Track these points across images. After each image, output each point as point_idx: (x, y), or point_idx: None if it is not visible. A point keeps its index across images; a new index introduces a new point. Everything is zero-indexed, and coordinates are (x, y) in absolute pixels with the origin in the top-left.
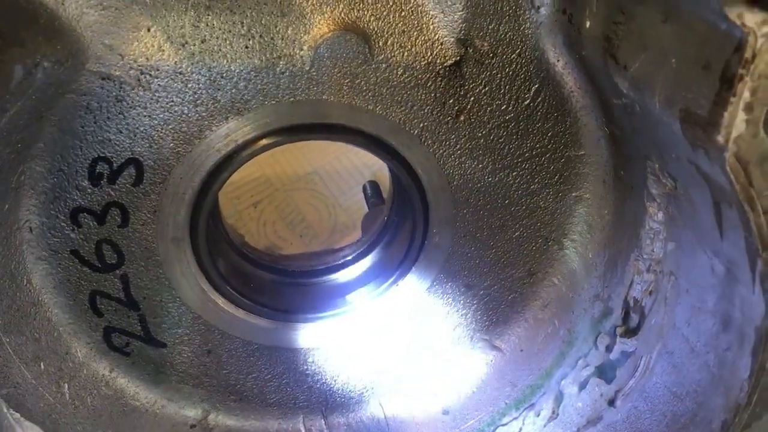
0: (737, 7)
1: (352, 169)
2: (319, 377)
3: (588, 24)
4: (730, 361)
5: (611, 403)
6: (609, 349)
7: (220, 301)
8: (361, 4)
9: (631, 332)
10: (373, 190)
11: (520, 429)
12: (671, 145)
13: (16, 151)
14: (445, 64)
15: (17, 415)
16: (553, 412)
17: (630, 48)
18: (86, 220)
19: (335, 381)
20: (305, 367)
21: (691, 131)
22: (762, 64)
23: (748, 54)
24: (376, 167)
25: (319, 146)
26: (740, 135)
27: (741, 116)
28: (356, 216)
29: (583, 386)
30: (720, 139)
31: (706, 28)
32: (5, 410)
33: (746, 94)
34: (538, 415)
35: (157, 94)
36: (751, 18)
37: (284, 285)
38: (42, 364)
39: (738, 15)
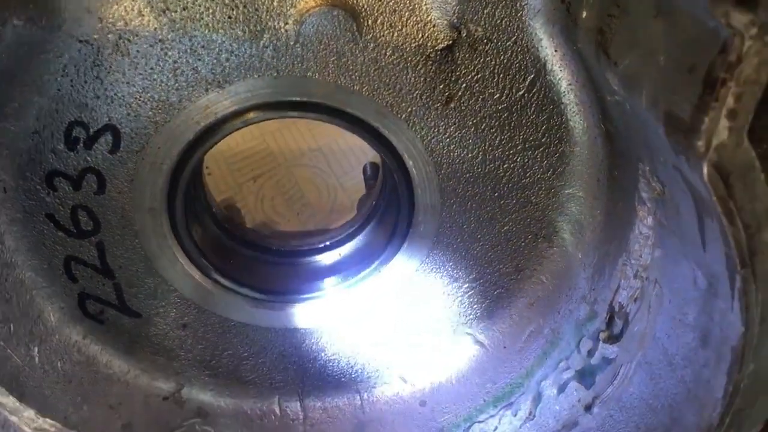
0: (723, 6)
1: (356, 148)
2: (297, 359)
3: (584, 14)
4: (705, 378)
5: (588, 409)
6: (591, 353)
7: (197, 275)
8: None
9: (613, 338)
10: (372, 171)
11: (496, 428)
12: (658, 148)
13: None
14: (437, 48)
15: None
16: (530, 414)
17: (621, 43)
18: (62, 185)
19: (313, 364)
20: (282, 348)
21: (674, 135)
22: (748, 68)
23: (732, 57)
24: None
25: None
26: (722, 143)
27: (724, 123)
28: (355, 197)
29: (562, 389)
30: (700, 146)
31: (695, 26)
32: None
33: (730, 100)
34: (515, 415)
35: (135, 61)
36: (738, 18)
37: (266, 264)
38: (11, 325)
39: (723, 14)
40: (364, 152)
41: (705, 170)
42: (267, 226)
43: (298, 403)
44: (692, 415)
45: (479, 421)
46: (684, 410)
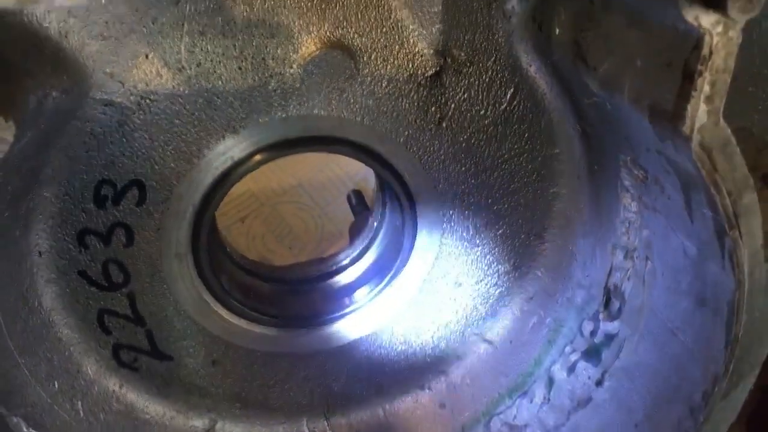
0: (694, 10)
1: (336, 179)
2: (320, 380)
3: (557, 31)
4: (706, 336)
5: (599, 383)
6: (593, 333)
7: (223, 312)
8: (345, 23)
9: (613, 316)
10: (357, 199)
11: (515, 417)
12: (641, 138)
13: (26, 179)
14: (426, 75)
15: None
16: (545, 398)
17: (598, 51)
18: (93, 242)
19: (335, 383)
20: (306, 371)
21: (659, 124)
22: (718, 59)
23: (705, 51)
24: (359, 177)
25: (302, 159)
26: (703, 125)
27: (702, 108)
28: (342, 225)
29: (571, 371)
30: (685, 129)
31: (667, 30)
32: (25, 429)
33: (706, 88)
34: (531, 402)
35: (157, 117)
36: (706, 19)
37: (282, 293)
38: (56, 383)
39: (695, 17)
40: (344, 182)
41: (693, 149)
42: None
43: (325, 422)
44: (697, 371)
45: (498, 414)
46: (690, 369)
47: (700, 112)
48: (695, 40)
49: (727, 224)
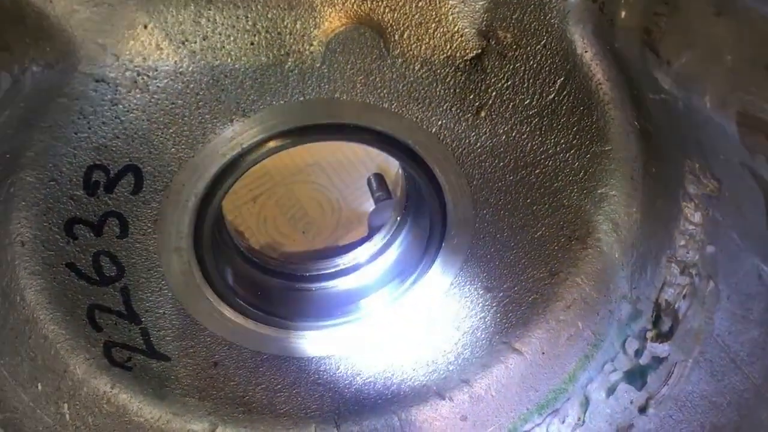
0: None
1: (356, 160)
2: (331, 386)
3: (623, 14)
4: None
5: (642, 410)
6: (638, 353)
7: (227, 311)
8: None
9: (663, 336)
10: (378, 184)
11: None
12: (719, 146)
13: (4, 162)
14: (466, 58)
15: None
16: (579, 419)
17: (675, 42)
18: (82, 232)
19: (348, 389)
20: (316, 376)
21: (750, 135)
22: None
23: None
24: (381, 158)
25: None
26: None
27: None
28: (360, 211)
29: (611, 392)
30: None
31: None
32: None
33: None
34: (563, 422)
35: (155, 96)
36: None
37: (293, 291)
38: (39, 384)
39: None
40: (365, 164)
41: None
42: (272, 248)
43: (335, 430)
44: (763, 411)
45: (525, 431)
46: (754, 407)
47: None
48: None
49: None
